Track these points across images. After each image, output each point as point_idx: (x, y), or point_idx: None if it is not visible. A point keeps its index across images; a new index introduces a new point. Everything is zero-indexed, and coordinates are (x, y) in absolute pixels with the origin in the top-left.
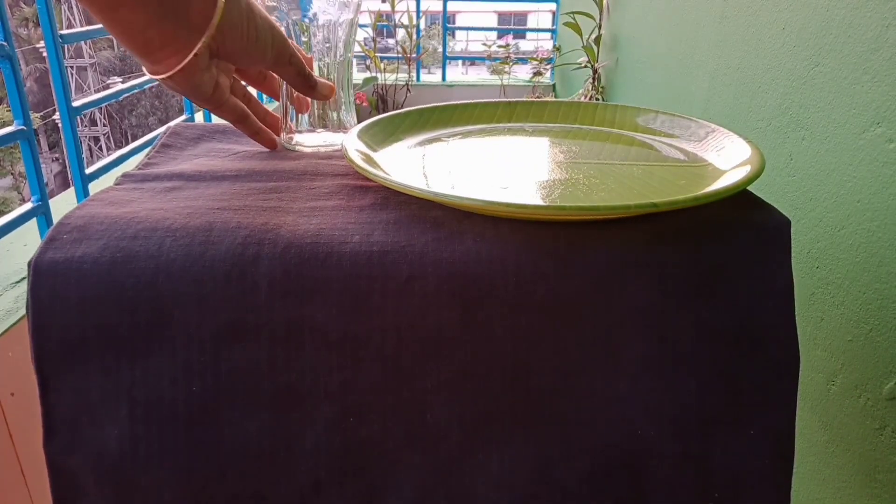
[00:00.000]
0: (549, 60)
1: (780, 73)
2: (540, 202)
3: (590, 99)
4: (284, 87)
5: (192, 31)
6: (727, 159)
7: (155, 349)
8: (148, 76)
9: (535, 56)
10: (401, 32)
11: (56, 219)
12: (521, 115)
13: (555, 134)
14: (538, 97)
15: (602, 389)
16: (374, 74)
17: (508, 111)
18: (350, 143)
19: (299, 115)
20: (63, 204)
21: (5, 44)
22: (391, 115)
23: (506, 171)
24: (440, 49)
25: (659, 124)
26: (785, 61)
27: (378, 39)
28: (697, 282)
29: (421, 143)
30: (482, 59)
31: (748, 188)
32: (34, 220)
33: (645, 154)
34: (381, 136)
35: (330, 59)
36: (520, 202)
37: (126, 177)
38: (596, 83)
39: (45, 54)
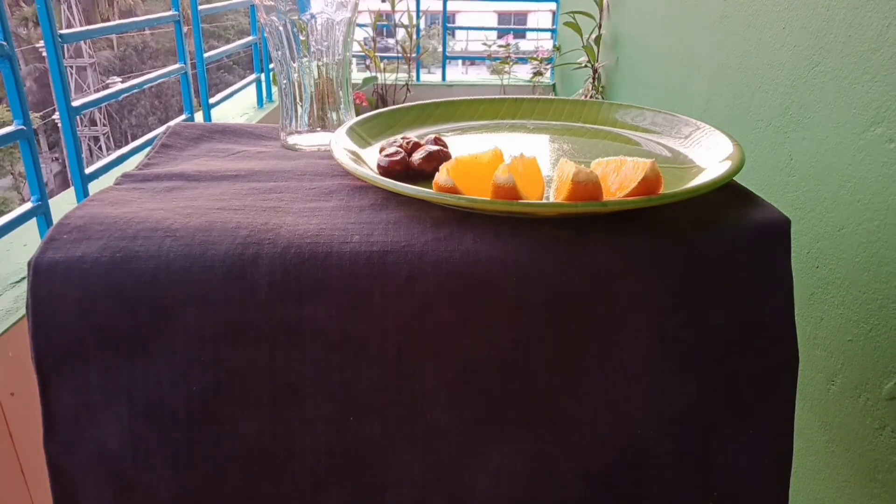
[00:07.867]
0: (549, 60)
1: (780, 73)
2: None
3: (589, 99)
4: (285, 85)
5: None
6: (708, 159)
7: (155, 349)
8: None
9: (535, 56)
10: (401, 32)
11: (56, 219)
12: (525, 112)
13: (554, 131)
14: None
15: (602, 389)
16: (373, 74)
17: (513, 108)
18: (339, 138)
19: (299, 114)
20: (63, 204)
21: (5, 43)
22: (392, 109)
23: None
24: (440, 49)
25: (660, 122)
26: (785, 61)
27: (378, 39)
28: (697, 281)
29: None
30: (482, 58)
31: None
32: (34, 219)
33: (631, 152)
34: (377, 129)
35: (328, 59)
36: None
37: (126, 177)
38: (596, 83)
39: (44, 54)
